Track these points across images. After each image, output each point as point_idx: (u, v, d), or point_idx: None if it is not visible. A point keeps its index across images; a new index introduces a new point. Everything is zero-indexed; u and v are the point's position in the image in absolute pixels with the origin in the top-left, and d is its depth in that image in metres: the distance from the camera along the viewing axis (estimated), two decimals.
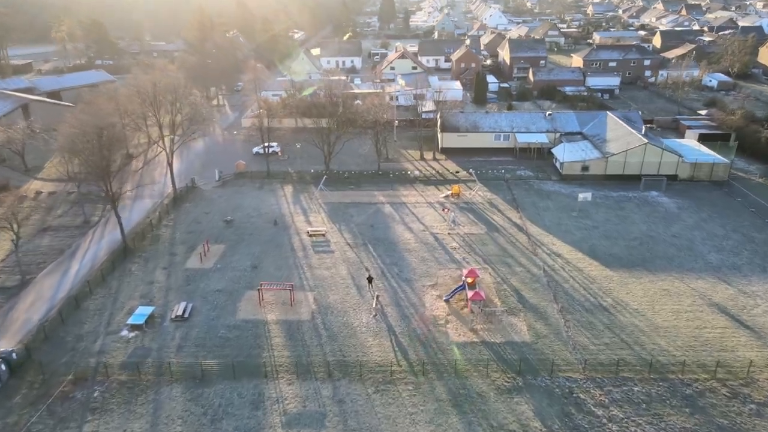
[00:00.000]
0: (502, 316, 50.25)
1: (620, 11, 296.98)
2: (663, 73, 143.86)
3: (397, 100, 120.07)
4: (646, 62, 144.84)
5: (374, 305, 52.13)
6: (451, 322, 49.87)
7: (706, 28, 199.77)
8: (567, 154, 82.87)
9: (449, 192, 77.36)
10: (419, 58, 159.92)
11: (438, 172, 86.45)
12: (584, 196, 69.90)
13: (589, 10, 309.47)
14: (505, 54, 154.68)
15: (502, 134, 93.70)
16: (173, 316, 50.67)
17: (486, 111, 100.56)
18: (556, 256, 60.99)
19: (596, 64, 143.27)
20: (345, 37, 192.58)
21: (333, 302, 53.05)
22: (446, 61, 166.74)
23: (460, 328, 49.00)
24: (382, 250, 62.71)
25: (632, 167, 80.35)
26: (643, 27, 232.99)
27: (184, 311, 51.14)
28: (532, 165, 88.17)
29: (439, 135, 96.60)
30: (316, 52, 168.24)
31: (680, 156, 79.78)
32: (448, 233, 66.40)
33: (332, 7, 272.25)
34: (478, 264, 59.43)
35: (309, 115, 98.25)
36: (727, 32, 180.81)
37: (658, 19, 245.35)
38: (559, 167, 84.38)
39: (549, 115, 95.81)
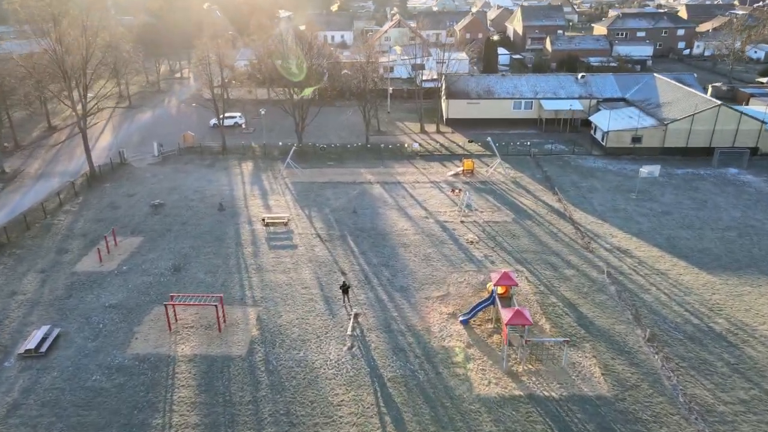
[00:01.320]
0: (557, 350, 30.98)
1: None
2: (699, 44, 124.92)
3: (392, 71, 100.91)
4: (680, 32, 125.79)
5: (350, 330, 32.94)
6: (475, 359, 30.58)
7: (736, 2, 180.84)
8: (612, 122, 63.56)
9: (459, 169, 58.11)
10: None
11: (443, 145, 67.16)
12: (649, 170, 50.73)
13: None
14: (516, 24, 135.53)
15: (523, 101, 74.44)
16: (22, 351, 31.26)
17: (502, 74, 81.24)
18: (621, 252, 41.72)
19: (622, 34, 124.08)
20: (333, 8, 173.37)
21: (286, 325, 33.75)
22: (448, 36, 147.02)
23: (490, 370, 29.69)
24: (367, 244, 43.43)
25: (699, 137, 61.14)
26: (660, 7, 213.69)
27: (42, 342, 31.71)
28: (563, 138, 68.98)
29: (443, 104, 77.38)
30: (302, 27, 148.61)
31: (764, 123, 60.54)
32: (461, 221, 47.14)
33: None
34: (508, 265, 40.14)
35: (282, 85, 79.19)
36: (762, 3, 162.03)
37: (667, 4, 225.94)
38: (600, 139, 65.14)
39: (582, 78, 76.55)
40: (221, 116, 67.52)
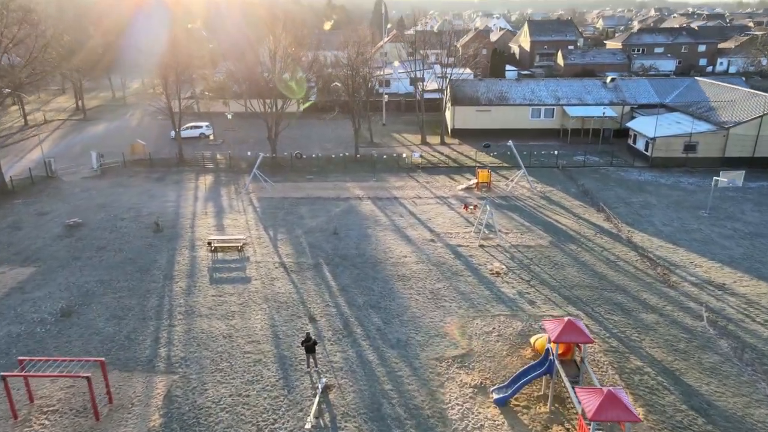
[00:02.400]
0: None
1: (635, 23, 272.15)
2: (722, 61, 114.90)
3: (389, 86, 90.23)
4: (701, 48, 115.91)
5: (313, 416, 19.86)
6: None
7: (751, 23, 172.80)
8: (659, 128, 51.62)
9: (473, 181, 45.80)
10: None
11: (450, 157, 54.98)
12: (730, 178, 38.35)
13: (599, 24, 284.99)
14: (522, 41, 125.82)
15: (542, 108, 62.76)
16: None
17: (516, 79, 69.84)
18: (717, 288, 28.96)
19: (639, 50, 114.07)
20: (326, 27, 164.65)
21: (211, 407, 20.68)
22: (449, 56, 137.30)
23: None
24: (350, 277, 30.67)
25: None
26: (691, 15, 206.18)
27: None
28: (593, 149, 56.94)
29: (448, 113, 65.69)
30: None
31: None
32: (481, 245, 34.51)
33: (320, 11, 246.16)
34: (556, 307, 27.34)
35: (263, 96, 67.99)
36: None
37: (681, 25, 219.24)
38: (644, 148, 53.09)
39: (611, 81, 65.13)
40: (179, 127, 55.32)
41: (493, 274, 30.79)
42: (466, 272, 31.03)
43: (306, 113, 77.48)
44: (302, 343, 22.74)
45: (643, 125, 54.07)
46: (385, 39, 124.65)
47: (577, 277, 30.34)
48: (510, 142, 45.82)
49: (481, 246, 34.42)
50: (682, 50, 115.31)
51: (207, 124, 64.86)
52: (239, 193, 45.29)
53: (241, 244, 34.55)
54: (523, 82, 66.74)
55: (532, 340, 23.83)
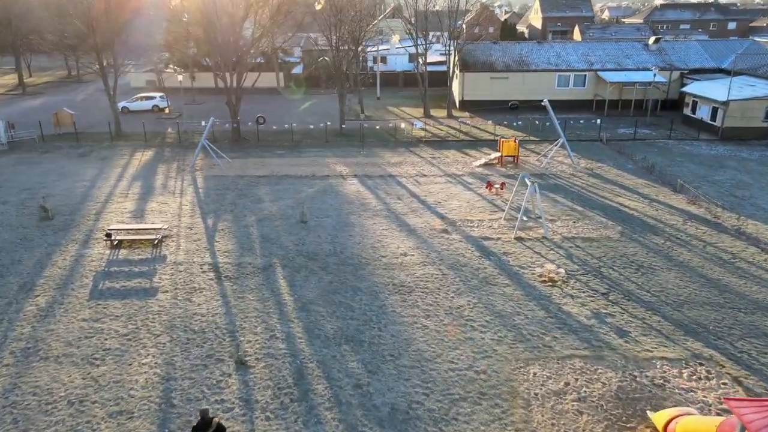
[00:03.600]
0: None
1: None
2: (755, 39, 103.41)
3: (385, 63, 79.10)
4: (731, 26, 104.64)
5: None
6: None
7: None
8: (733, 91, 40.09)
9: (494, 156, 34.26)
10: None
11: (460, 131, 43.38)
12: None
13: (605, 15, 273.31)
14: (533, 19, 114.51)
15: (572, 75, 51.28)
16: None
17: (538, 41, 58.29)
18: None
19: (663, 27, 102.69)
20: (317, 7, 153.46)
21: None
22: (451, 38, 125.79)
23: None
24: (318, 287, 19.19)
25: None
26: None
27: None
28: (638, 121, 45.35)
29: (455, 84, 54.14)
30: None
31: None
32: (517, 237, 23.00)
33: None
34: (665, 341, 15.76)
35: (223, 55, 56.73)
36: None
37: None
38: (709, 117, 41.60)
39: (655, 43, 53.73)
40: (115, 98, 43.73)
41: (545, 281, 19.30)
42: (501, 279, 19.53)
43: (291, 88, 66.12)
44: (195, 428, 11.22)
45: (708, 89, 42.59)
46: (382, 16, 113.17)
47: (682, 287, 18.83)
48: (545, 101, 34.26)
49: (519, 239, 22.92)
50: (711, 27, 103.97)
51: (161, 95, 53.27)
52: (182, 171, 33.73)
53: (158, 237, 22.98)
54: (547, 44, 55.28)
55: (653, 415, 12.32)
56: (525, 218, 24.57)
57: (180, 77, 50.79)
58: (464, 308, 17.67)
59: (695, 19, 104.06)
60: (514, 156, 33.89)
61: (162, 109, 52.39)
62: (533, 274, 19.90)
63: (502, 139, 34.14)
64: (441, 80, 66.75)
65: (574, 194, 28.56)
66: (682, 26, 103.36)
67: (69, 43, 53.34)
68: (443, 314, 17.33)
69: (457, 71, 53.20)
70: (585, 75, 51.23)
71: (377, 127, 43.68)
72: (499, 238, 23.05)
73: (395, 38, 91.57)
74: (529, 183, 23.56)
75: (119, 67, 43.90)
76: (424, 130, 42.44)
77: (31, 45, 67.29)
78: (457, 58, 52.18)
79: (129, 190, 29.95)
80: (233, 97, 40.54)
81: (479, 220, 25.10)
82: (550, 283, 19.17)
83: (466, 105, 52.17)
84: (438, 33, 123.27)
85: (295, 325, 16.89)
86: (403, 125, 43.07)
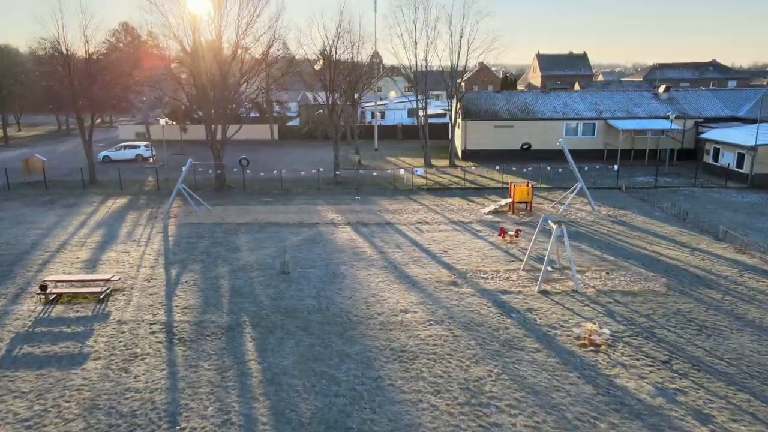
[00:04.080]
0: None
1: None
2: None
3: (383, 118, 77.33)
4: (731, 83, 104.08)
5: None
6: None
7: None
8: (760, 136, 37.06)
9: (504, 202, 30.59)
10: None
11: (465, 179, 39.96)
12: None
13: (599, 78, 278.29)
14: (532, 76, 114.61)
15: (580, 123, 48.61)
16: None
17: (542, 90, 56.09)
18: None
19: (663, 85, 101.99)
20: (316, 66, 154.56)
21: None
22: (450, 97, 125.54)
23: None
24: (295, 352, 15.01)
25: None
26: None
27: None
28: (656, 169, 42.05)
29: (457, 133, 51.46)
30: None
31: None
32: (542, 290, 18.90)
33: None
34: (756, 424, 11.42)
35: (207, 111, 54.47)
36: None
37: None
38: (734, 164, 38.35)
39: (664, 92, 51.55)
40: (88, 148, 40.73)
41: (585, 345, 15.10)
42: (528, 342, 15.34)
43: (285, 141, 63.61)
44: None
45: (731, 135, 39.62)
46: (379, 75, 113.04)
47: (765, 354, 14.62)
48: (561, 141, 31.01)
49: (544, 293, 18.84)
50: (711, 85, 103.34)
51: (146, 144, 50.45)
52: (154, 218, 29.96)
53: (104, 291, 18.86)
54: (552, 94, 53.02)
55: None
56: (550, 268, 20.57)
57: (162, 121, 47.65)
58: (485, 381, 13.41)
59: (695, 77, 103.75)
60: (527, 202, 30.26)
61: (146, 159, 49.32)
62: (569, 335, 15.72)
63: (513, 184, 30.57)
64: (441, 132, 64.54)
65: (600, 242, 24.68)
66: (681, 84, 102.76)
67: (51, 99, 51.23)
68: (457, 389, 13.06)
69: (459, 120, 50.58)
70: (594, 123, 48.56)
71: (374, 173, 40.47)
72: (519, 292, 18.96)
73: (393, 94, 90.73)
74: (553, 226, 19.73)
75: (95, 119, 41.09)
76: (425, 178, 39.09)
77: (16, 100, 65.57)
78: (458, 106, 49.59)
79: (88, 239, 26.04)
80: (217, 143, 37.34)
81: (494, 271, 21.09)
82: (592, 348, 14.96)
83: (468, 155, 49.17)
84: (437, 92, 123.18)
85: (259, 404, 12.58)
86: (402, 172, 39.70)
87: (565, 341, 15.43)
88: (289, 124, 70.48)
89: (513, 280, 20.07)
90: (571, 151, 46.52)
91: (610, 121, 47.58)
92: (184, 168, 30.85)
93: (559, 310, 17.45)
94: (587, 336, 15.27)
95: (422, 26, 45.79)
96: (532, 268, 21.22)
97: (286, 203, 33.31)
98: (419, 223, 28.42)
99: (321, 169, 38.52)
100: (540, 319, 16.87)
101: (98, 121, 74.16)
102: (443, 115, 73.41)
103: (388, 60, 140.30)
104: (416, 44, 46.32)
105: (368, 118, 76.40)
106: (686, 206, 30.87)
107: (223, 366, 14.29)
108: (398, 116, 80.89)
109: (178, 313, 17.56)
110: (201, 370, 14.07)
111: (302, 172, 39.29)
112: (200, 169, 38.37)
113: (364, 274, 20.83)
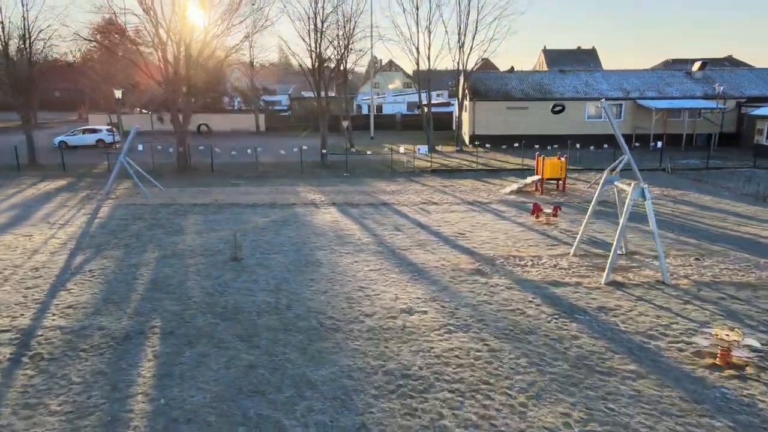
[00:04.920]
0: None
1: None
2: None
3: (380, 111, 71.60)
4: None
5: None
6: None
7: None
8: None
9: (531, 180, 24.32)
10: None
11: (476, 161, 33.68)
12: None
13: None
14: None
15: (606, 103, 42.57)
16: None
17: (560, 70, 50.06)
18: None
19: None
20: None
21: None
22: (451, 96, 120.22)
23: None
24: (223, 379, 8.66)
25: None
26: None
27: None
28: (696, 155, 35.93)
29: (465, 114, 45.43)
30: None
31: None
32: (607, 282, 12.58)
33: None
34: None
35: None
36: None
37: None
38: None
39: (700, 69, 45.65)
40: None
41: (719, 365, 8.78)
42: (617, 360, 9.03)
43: (274, 132, 57.53)
44: None
45: None
46: (378, 68, 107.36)
47: None
48: (603, 102, 24.88)
49: (614, 284, 12.55)
50: None
51: (108, 128, 44.30)
52: (89, 200, 23.71)
53: None
54: (571, 74, 47.03)
55: None
56: (621, 250, 14.37)
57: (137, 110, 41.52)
58: None
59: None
60: (559, 179, 24.07)
61: (110, 145, 43.12)
62: (682, 350, 9.43)
63: (542, 157, 24.30)
64: (444, 122, 58.70)
65: (669, 224, 18.44)
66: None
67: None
68: None
69: (466, 102, 44.53)
70: (621, 104, 42.52)
71: (368, 153, 34.32)
72: (578, 284, 12.69)
73: (394, 83, 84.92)
74: (624, 188, 13.52)
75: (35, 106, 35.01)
76: (430, 160, 32.92)
77: None
78: (465, 86, 43.50)
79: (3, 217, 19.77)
80: (179, 117, 31.11)
81: (534, 256, 14.83)
82: (730, 370, 8.67)
83: (476, 140, 42.98)
84: (439, 91, 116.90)
85: None
86: (402, 150, 33.50)
87: (678, 359, 9.14)
88: (280, 113, 64.46)
89: (564, 268, 13.80)
90: (596, 137, 40.64)
91: (641, 102, 41.55)
92: (128, 137, 24.65)
93: (649, 310, 11.17)
94: (721, 351, 8.97)
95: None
96: (585, 253, 15.00)
97: (259, 185, 27.06)
98: (424, 203, 22.18)
99: (305, 147, 32.30)
100: (624, 323, 10.58)
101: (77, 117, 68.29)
102: (447, 104, 67.62)
103: (385, 54, 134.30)
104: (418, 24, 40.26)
105: (364, 110, 70.53)
106: (756, 188, 24.67)
107: (83, 406, 7.97)
108: (397, 110, 75.15)
109: (54, 314, 11.25)
110: (39, 415, 7.76)
111: (282, 151, 33.06)
112: (159, 147, 32.25)
113: (349, 262, 14.55)
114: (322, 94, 34.84)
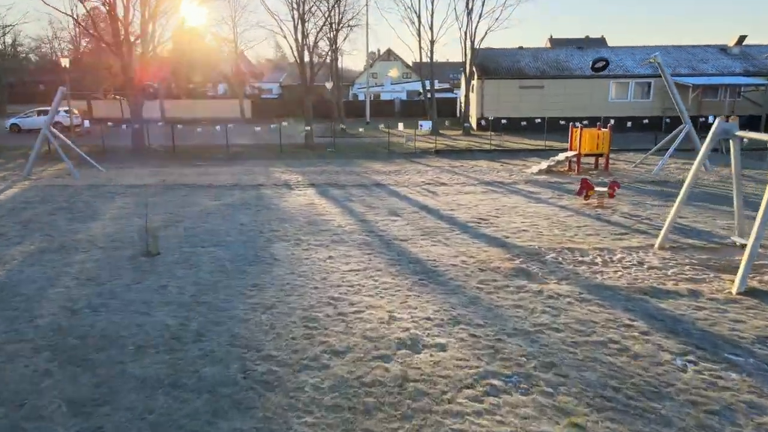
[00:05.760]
0: None
1: None
2: None
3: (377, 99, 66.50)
4: None
5: None
6: None
7: None
8: None
9: (563, 156, 19.18)
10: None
11: (488, 142, 28.57)
12: None
13: None
14: None
15: (632, 82, 37.60)
16: None
17: (578, 46, 44.84)
18: None
19: None
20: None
21: None
22: (453, 91, 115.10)
23: None
24: None
25: None
26: None
27: None
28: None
29: (473, 96, 40.31)
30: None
31: None
32: (739, 291, 7.48)
33: None
34: None
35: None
36: None
37: None
38: None
39: (736, 45, 40.63)
40: None
41: None
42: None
43: (260, 119, 52.40)
44: None
45: None
46: (377, 58, 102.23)
47: None
48: (657, 56, 19.83)
49: (753, 293, 7.46)
50: None
51: (66, 109, 39.16)
52: (4, 180, 18.64)
53: None
54: (591, 50, 42.02)
55: None
56: (737, 241, 9.41)
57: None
58: None
59: None
60: (600, 155, 19.00)
61: (68, 128, 37.98)
62: None
63: (579, 128, 19.12)
64: (447, 109, 53.65)
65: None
66: None
67: None
68: None
69: (473, 82, 39.49)
70: (650, 83, 37.45)
71: (361, 130, 29.22)
72: (696, 293, 7.61)
73: (393, 72, 79.95)
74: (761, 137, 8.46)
75: None
76: (434, 141, 27.84)
77: None
78: (472, 64, 38.41)
79: None
80: (132, 94, 25.99)
81: (601, 249, 9.75)
82: None
83: (485, 125, 37.88)
84: (443, 85, 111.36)
85: None
86: (401, 127, 28.47)
87: None
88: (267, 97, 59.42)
89: (656, 267, 8.73)
90: (622, 119, 35.73)
91: (675, 79, 36.45)
92: (54, 100, 19.63)
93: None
94: None
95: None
96: (677, 245, 9.94)
97: (226, 166, 21.98)
98: (430, 184, 17.13)
99: (285, 123, 27.22)
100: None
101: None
102: (450, 90, 62.68)
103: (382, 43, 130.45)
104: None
105: (361, 97, 65.55)
106: None
107: None
108: (396, 97, 70.20)
109: None
110: None
111: (257, 128, 27.98)
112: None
113: (321, 258, 9.47)
114: (308, 73, 29.72)
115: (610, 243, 10.25)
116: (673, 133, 19.98)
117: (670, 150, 19.07)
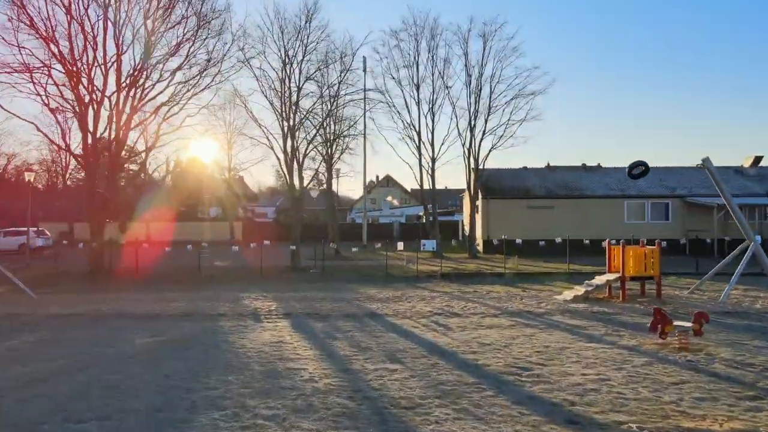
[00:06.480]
0: None
1: None
2: None
3: (377, 222, 64.88)
4: None
5: None
6: None
7: None
8: None
9: (604, 279, 15.49)
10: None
11: (501, 266, 25.00)
12: None
13: None
14: None
15: (647, 203, 35.11)
16: None
17: (584, 166, 42.81)
18: None
19: None
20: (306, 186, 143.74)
21: None
22: (453, 214, 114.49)
23: None
24: None
25: None
26: None
27: None
28: None
29: (478, 217, 37.42)
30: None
31: None
32: None
33: None
34: None
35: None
36: None
37: None
38: None
39: (753, 165, 38.79)
40: None
41: None
42: None
43: (251, 240, 49.48)
44: None
45: None
46: (374, 184, 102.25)
47: None
48: (707, 159, 16.90)
49: None
50: None
51: (37, 229, 36.23)
52: None
53: None
54: (600, 170, 40.17)
55: None
56: None
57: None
58: None
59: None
60: (648, 278, 15.33)
61: (37, 250, 34.68)
62: None
63: (621, 245, 15.63)
64: (449, 232, 51.00)
65: None
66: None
67: None
68: None
69: (478, 202, 36.98)
70: (667, 203, 34.98)
71: (354, 250, 25.76)
72: None
73: (392, 200, 78.95)
74: None
75: None
76: (439, 264, 24.35)
77: None
78: (475, 185, 36.14)
79: None
80: (97, 213, 23.04)
81: None
82: None
83: (489, 247, 34.60)
84: (445, 210, 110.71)
85: None
86: (400, 246, 25.02)
87: None
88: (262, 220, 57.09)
89: None
90: (637, 243, 32.66)
91: (693, 199, 34.06)
92: None
93: None
94: None
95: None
96: None
97: (191, 291, 18.21)
98: (439, 314, 13.27)
99: (266, 242, 23.82)
100: None
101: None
102: (451, 213, 60.73)
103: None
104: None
105: (358, 221, 63.42)
106: None
107: None
108: (395, 221, 68.42)
109: None
110: None
111: (235, 248, 24.53)
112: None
113: None
114: (296, 184, 27.21)
115: (746, 415, 6.25)
116: (733, 253, 16.53)
117: (737, 273, 15.48)
